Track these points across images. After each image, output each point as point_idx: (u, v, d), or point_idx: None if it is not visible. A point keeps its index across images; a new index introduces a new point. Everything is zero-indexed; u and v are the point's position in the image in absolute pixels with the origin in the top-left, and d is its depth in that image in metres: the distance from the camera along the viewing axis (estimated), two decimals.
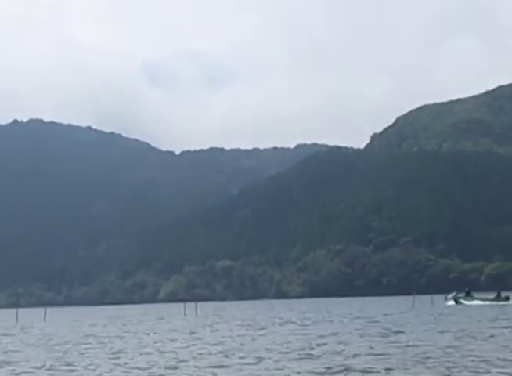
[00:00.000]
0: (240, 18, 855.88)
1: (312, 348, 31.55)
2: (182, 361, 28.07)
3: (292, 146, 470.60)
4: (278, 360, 26.88)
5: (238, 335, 42.87)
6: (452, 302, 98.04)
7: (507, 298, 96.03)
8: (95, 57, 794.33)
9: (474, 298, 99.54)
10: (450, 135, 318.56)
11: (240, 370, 24.77)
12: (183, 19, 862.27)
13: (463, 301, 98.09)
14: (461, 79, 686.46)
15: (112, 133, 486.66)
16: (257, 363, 26.39)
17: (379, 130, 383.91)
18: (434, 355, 27.10)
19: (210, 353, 31.24)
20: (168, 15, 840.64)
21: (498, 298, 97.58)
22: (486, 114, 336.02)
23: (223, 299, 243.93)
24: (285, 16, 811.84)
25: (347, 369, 23.57)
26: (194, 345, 36.40)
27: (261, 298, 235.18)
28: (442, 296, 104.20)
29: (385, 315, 68.30)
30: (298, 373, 23.45)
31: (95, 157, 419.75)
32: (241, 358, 28.48)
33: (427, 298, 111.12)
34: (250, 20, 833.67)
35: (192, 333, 47.42)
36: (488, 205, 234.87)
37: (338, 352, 29.14)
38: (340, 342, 34.52)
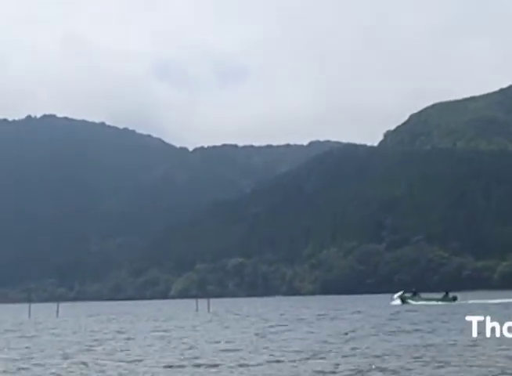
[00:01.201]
0: (254, 15, 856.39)
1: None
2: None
3: (305, 143, 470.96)
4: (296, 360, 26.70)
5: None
6: (398, 302, 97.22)
7: (454, 299, 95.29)
8: (108, 55, 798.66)
9: (420, 298, 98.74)
10: (464, 133, 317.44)
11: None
12: (196, 16, 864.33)
13: (409, 300, 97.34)
14: (475, 77, 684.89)
15: (125, 129, 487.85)
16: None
17: (392, 127, 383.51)
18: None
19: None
20: (180, 12, 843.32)
21: (445, 298, 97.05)
22: (500, 112, 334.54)
23: (234, 296, 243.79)
24: (298, 14, 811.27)
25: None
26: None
27: (273, 295, 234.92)
28: (457, 294, 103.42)
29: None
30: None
31: (108, 152, 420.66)
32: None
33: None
34: (264, 17, 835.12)
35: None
36: (501, 203, 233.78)
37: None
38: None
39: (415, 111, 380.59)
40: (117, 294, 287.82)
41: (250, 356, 28.63)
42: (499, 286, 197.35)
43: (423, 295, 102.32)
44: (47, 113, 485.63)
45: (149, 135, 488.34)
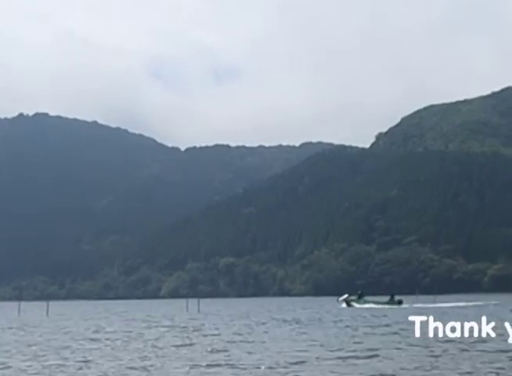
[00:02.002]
0: (248, 15, 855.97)
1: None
2: None
3: (297, 144, 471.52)
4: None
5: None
6: (344, 305, 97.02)
7: (400, 302, 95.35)
8: (101, 53, 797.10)
9: (366, 301, 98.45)
10: (456, 135, 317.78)
11: None
12: (190, 14, 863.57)
13: (354, 304, 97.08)
14: (468, 80, 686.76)
15: (118, 128, 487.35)
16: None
17: (384, 129, 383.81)
18: None
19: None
20: (174, 11, 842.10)
21: (391, 301, 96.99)
22: (493, 115, 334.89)
23: (226, 296, 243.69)
24: (293, 14, 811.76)
25: None
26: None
27: (264, 295, 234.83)
28: (446, 297, 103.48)
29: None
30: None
31: (100, 151, 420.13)
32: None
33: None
34: (259, 17, 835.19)
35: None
36: (493, 206, 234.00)
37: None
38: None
39: (407, 113, 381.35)
40: (107, 292, 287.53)
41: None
42: (489, 289, 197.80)
43: (369, 298, 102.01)
44: (39, 111, 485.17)
45: (141, 135, 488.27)
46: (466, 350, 29.10)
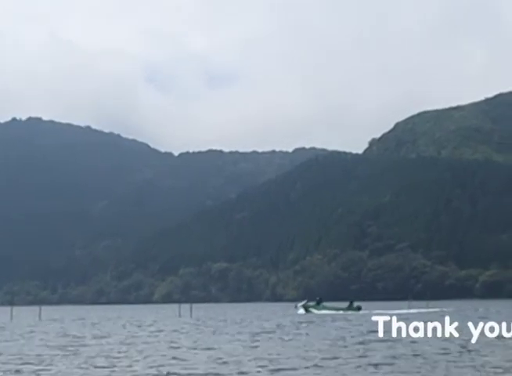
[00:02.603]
0: (242, 19, 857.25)
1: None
2: None
3: (290, 149, 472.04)
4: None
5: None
6: (302, 311, 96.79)
7: (359, 308, 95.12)
8: (95, 58, 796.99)
9: (324, 307, 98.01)
10: (449, 141, 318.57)
11: None
12: (183, 20, 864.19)
13: (312, 310, 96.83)
14: (461, 86, 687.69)
15: (111, 133, 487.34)
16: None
17: (378, 135, 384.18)
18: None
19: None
20: (168, 16, 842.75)
21: (350, 307, 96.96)
22: (485, 122, 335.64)
23: (218, 301, 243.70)
24: (287, 20, 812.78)
25: None
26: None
27: (257, 300, 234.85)
28: (438, 303, 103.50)
29: None
30: None
31: (93, 156, 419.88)
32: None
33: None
34: (251, 23, 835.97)
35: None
36: (485, 213, 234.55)
37: None
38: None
39: (401, 119, 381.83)
40: (100, 297, 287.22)
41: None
42: (481, 295, 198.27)
43: (328, 305, 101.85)
44: (33, 115, 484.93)
45: (134, 140, 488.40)
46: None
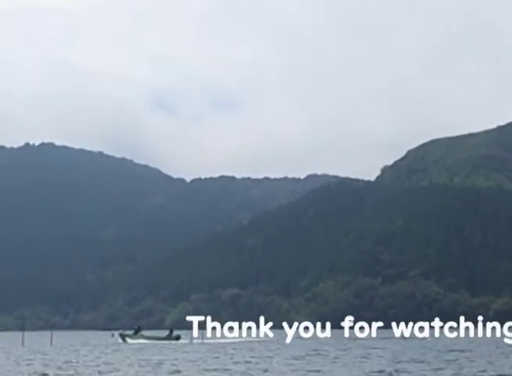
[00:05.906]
0: (250, 44, 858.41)
1: None
2: None
3: (302, 176, 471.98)
4: None
5: None
6: (120, 340, 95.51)
7: (178, 338, 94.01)
8: (105, 84, 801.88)
9: (142, 337, 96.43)
10: (461, 169, 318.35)
11: None
12: (193, 45, 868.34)
13: (128, 339, 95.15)
14: (473, 114, 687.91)
15: (123, 159, 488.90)
16: None
17: (390, 162, 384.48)
18: None
19: None
20: (175, 41, 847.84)
21: (169, 336, 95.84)
22: (498, 150, 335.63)
23: None
24: (294, 44, 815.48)
25: None
26: None
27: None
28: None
29: None
30: None
31: (105, 182, 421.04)
32: None
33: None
34: (260, 47, 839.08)
35: None
36: (497, 240, 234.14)
37: None
38: None
39: (412, 147, 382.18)
40: (111, 323, 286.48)
41: None
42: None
43: (147, 333, 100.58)
44: (45, 141, 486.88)
45: (146, 166, 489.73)
46: None
